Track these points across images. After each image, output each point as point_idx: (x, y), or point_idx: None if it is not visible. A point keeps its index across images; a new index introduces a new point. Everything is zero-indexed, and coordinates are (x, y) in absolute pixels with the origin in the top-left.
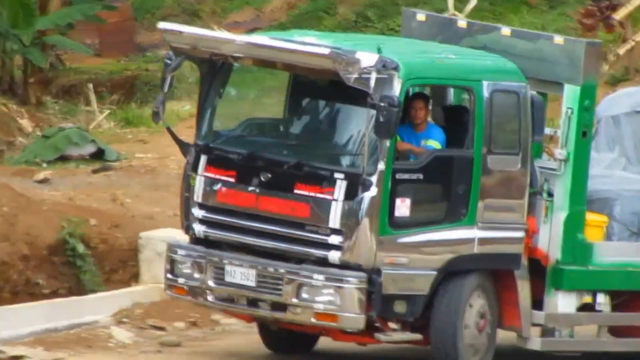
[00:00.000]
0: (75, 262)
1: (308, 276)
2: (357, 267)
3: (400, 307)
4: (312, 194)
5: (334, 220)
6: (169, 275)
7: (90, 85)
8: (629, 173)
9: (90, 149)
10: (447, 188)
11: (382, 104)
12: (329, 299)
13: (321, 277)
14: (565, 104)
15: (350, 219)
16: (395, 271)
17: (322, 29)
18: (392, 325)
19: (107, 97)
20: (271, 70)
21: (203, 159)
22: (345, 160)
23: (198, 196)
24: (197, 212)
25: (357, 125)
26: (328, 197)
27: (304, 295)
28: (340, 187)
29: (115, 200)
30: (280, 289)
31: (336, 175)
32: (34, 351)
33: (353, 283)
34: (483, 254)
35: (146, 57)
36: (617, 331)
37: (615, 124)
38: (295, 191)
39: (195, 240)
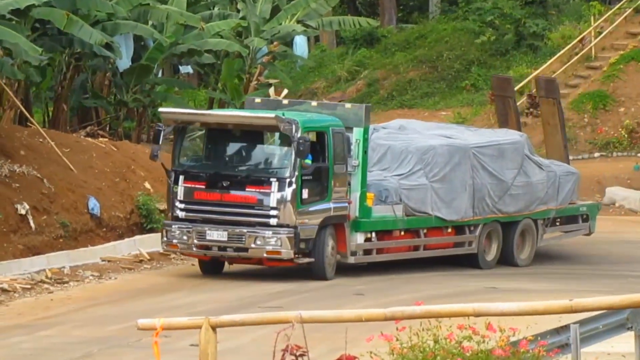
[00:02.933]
0: None
1: (261, 232)
2: (287, 226)
3: (303, 245)
4: (257, 189)
5: (273, 202)
6: (164, 239)
7: None
8: (378, 171)
9: None
10: (320, 182)
11: (301, 140)
12: (274, 243)
13: (269, 232)
14: (355, 137)
15: (282, 201)
16: (303, 227)
17: (369, 101)
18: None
19: None
20: (214, 128)
21: (181, 177)
22: (276, 171)
23: (180, 196)
24: (180, 205)
25: (279, 151)
26: (268, 190)
27: (258, 242)
28: (274, 185)
29: None
30: (243, 240)
31: (271, 179)
32: None
33: (287, 234)
34: (334, 215)
35: None
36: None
37: (377, 148)
38: (247, 189)
39: (176, 219)
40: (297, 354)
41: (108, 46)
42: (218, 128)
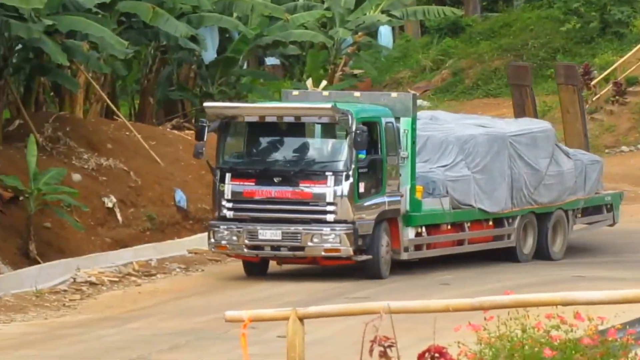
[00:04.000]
0: None
1: (318, 229)
2: (344, 222)
3: (361, 241)
4: (312, 184)
5: (329, 197)
6: (212, 240)
7: None
8: (421, 163)
9: None
10: (374, 176)
11: (358, 131)
12: (332, 240)
13: (327, 229)
14: (403, 127)
15: (339, 196)
16: (361, 222)
17: (454, 91)
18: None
19: None
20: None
21: (228, 174)
22: (331, 165)
23: (227, 195)
24: (227, 204)
25: (334, 144)
26: (323, 185)
27: (315, 240)
28: (330, 179)
29: None
30: (299, 239)
31: (327, 173)
32: None
33: (345, 230)
34: (388, 209)
35: None
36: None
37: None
38: (300, 184)
39: (224, 220)
40: (386, 345)
41: (193, 39)
42: (266, 121)
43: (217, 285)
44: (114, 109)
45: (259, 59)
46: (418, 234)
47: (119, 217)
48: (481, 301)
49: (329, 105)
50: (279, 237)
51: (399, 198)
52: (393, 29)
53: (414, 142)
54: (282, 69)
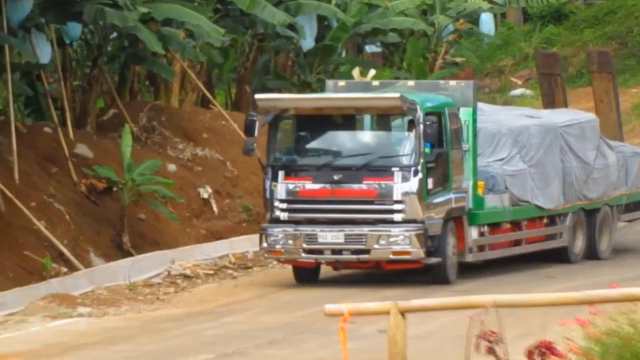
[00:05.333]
0: None
1: (386, 230)
2: (414, 221)
3: (430, 243)
4: (377, 181)
5: (397, 195)
6: (264, 245)
7: None
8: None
9: None
10: (441, 171)
11: (427, 122)
12: (402, 242)
13: (396, 229)
14: (463, 118)
15: (407, 193)
16: (430, 222)
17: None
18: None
19: None
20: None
21: (281, 172)
22: (398, 159)
23: (281, 195)
24: (281, 205)
25: (400, 137)
26: (390, 181)
27: (382, 242)
28: (398, 175)
29: None
30: (364, 241)
31: (393, 168)
32: None
33: (415, 230)
34: (455, 207)
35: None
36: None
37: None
38: (364, 181)
39: (277, 222)
40: (493, 340)
41: (291, 27)
42: (324, 114)
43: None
44: (210, 97)
45: (358, 47)
46: (481, 234)
47: (215, 209)
48: (589, 295)
49: (396, 95)
50: (341, 240)
51: (464, 195)
52: (495, 16)
53: (475, 135)
54: (381, 57)
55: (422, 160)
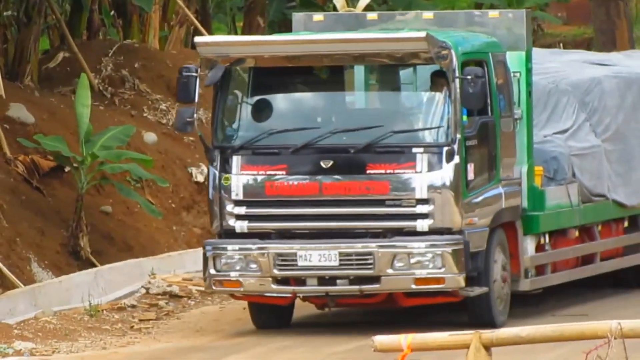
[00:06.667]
0: None
1: (403, 246)
2: (448, 231)
3: (471, 263)
4: (390, 170)
5: (421, 192)
6: (211, 271)
7: (561, 45)
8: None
9: None
10: (486, 152)
11: (469, 77)
12: (431, 264)
13: (422, 245)
14: (512, 69)
15: (438, 188)
16: (471, 232)
17: None
18: None
19: None
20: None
21: (236, 158)
22: (423, 135)
23: (238, 194)
24: (237, 210)
25: (427, 100)
26: (410, 171)
27: (399, 265)
28: (422, 160)
29: None
30: (371, 263)
31: (415, 150)
32: None
33: (452, 245)
34: (505, 209)
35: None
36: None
37: None
38: (368, 171)
39: (231, 235)
40: None
41: None
42: (300, 67)
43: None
44: (205, 34)
45: None
46: (540, 247)
47: None
48: None
49: (421, 34)
50: (335, 262)
51: (517, 188)
52: None
53: (529, 94)
54: None
55: (459, 136)
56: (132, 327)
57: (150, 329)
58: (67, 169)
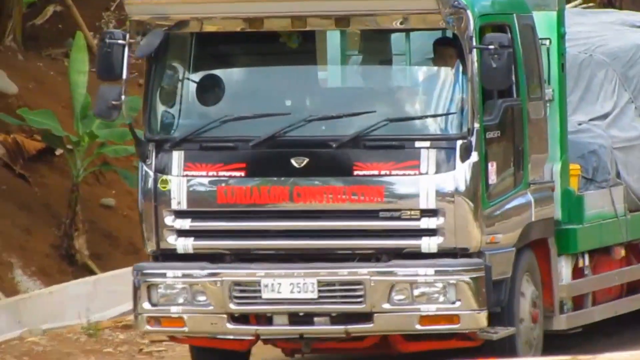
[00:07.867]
0: None
1: (405, 273)
2: (464, 253)
3: (493, 295)
4: (384, 172)
5: (427, 200)
6: (145, 306)
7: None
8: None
9: None
10: (510, 146)
11: (491, 47)
12: (441, 297)
13: (429, 271)
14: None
15: (449, 195)
16: (494, 251)
17: None
18: None
19: None
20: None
21: (178, 155)
22: (429, 124)
23: (181, 202)
24: (180, 223)
25: (436, 77)
26: (412, 172)
27: (398, 298)
28: (428, 157)
29: None
30: (361, 295)
31: (418, 144)
32: None
33: (472, 272)
34: (535, 222)
35: None
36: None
37: None
38: (356, 173)
39: (172, 258)
40: None
41: None
42: (261, 32)
43: None
44: None
45: None
46: (579, 272)
47: None
48: None
49: None
50: (312, 295)
51: (549, 194)
52: None
53: (562, 67)
54: None
55: (477, 126)
56: (140, 350)
57: (164, 352)
58: (58, 151)
